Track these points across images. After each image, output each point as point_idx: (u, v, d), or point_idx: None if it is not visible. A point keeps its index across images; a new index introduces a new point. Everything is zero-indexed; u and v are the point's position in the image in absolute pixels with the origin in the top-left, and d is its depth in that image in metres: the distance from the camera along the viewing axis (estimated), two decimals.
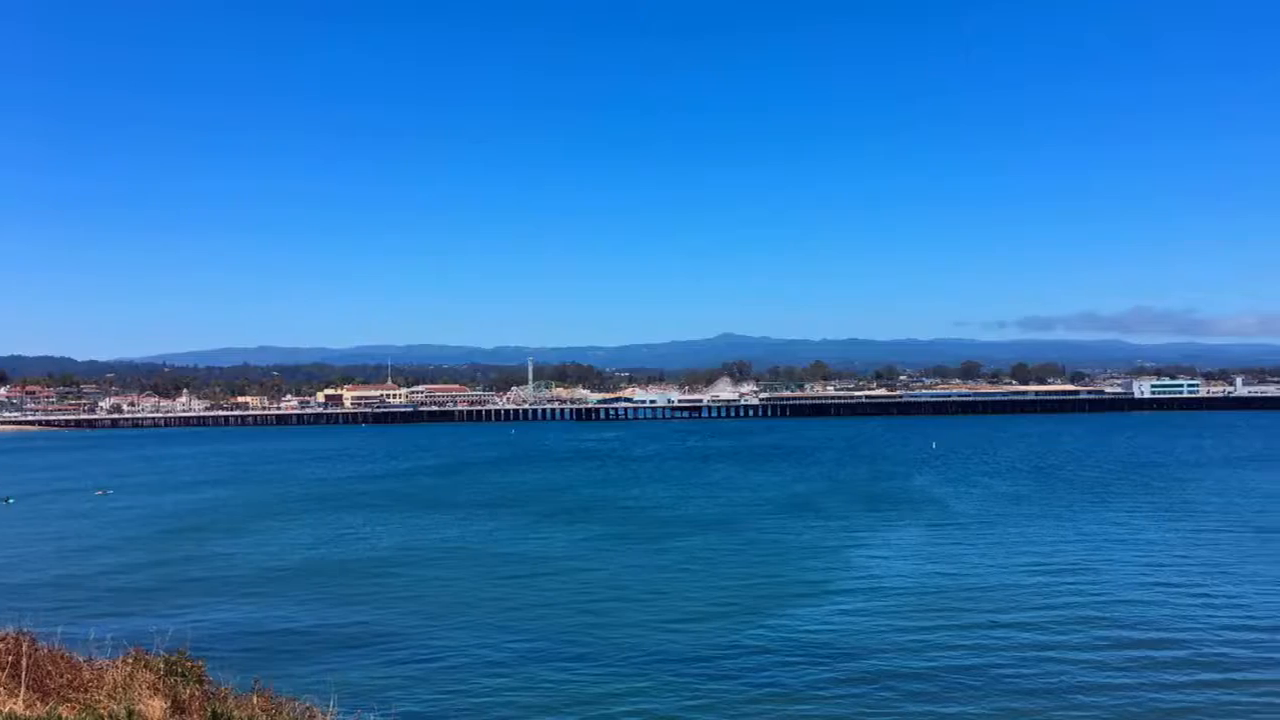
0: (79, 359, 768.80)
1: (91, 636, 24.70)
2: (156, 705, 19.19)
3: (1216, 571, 69.35)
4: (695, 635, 53.75)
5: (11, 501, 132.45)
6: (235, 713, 20.61)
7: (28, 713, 18.09)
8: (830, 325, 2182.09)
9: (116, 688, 19.62)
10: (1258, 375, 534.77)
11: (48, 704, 18.75)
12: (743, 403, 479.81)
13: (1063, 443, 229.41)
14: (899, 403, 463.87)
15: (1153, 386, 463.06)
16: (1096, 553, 77.59)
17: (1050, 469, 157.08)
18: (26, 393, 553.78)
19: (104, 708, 18.57)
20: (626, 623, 57.14)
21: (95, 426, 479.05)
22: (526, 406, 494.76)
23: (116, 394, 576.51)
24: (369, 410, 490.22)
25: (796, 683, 45.10)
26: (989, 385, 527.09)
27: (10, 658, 19.85)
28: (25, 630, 21.79)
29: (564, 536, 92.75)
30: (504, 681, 46.13)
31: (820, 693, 43.72)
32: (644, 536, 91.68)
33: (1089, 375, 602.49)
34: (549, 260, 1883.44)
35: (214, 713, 20.16)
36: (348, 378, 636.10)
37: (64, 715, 18.06)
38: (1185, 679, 44.76)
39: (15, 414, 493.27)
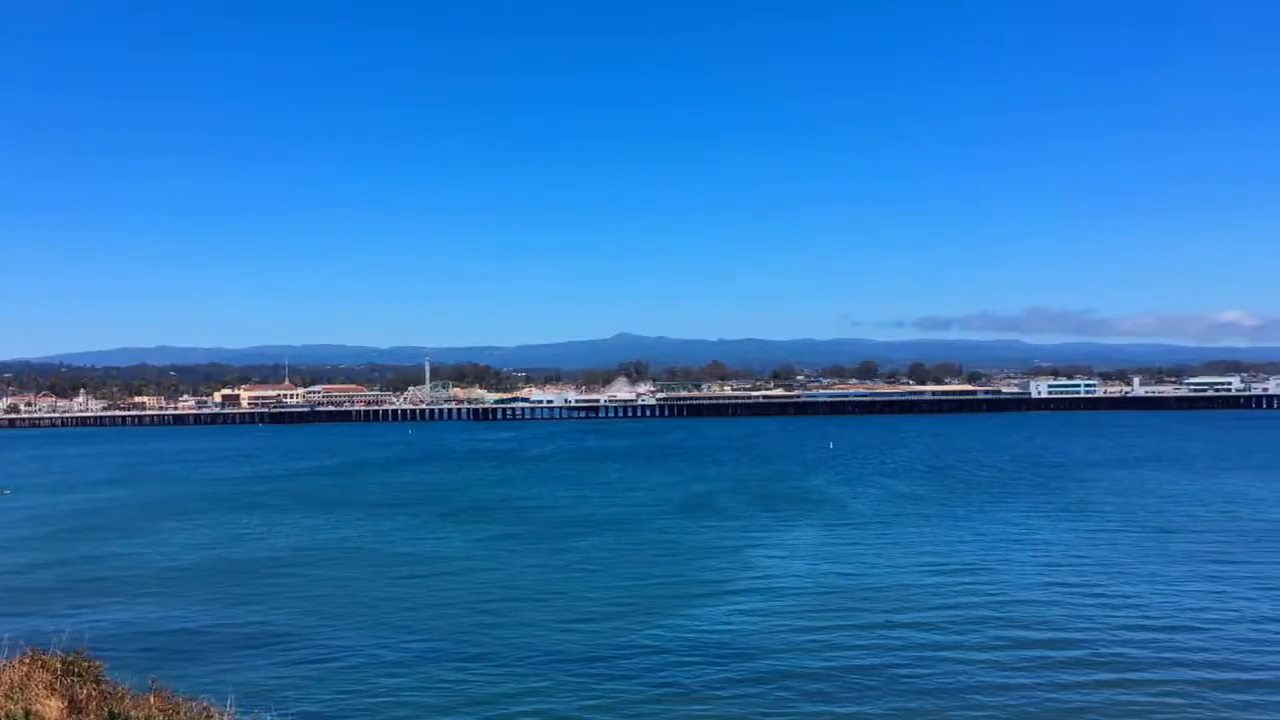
0: None
1: None
2: (53, 705, 19.09)
3: (1113, 571, 70.47)
4: (593, 635, 54.03)
5: None
6: (132, 712, 20.53)
7: None
8: (727, 325, 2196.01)
9: (13, 688, 19.48)
10: (1155, 375, 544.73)
11: None
12: (640, 403, 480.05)
13: (960, 442, 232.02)
14: (796, 403, 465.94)
15: (1050, 386, 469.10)
16: (993, 553, 78.64)
17: (947, 469, 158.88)
18: None
19: (1, 708, 18.45)
20: (524, 622, 57.29)
21: None
22: (424, 407, 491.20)
23: (13, 394, 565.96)
24: (266, 410, 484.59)
25: (693, 683, 45.46)
26: (886, 385, 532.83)
27: None
28: None
29: (461, 537, 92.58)
30: (402, 681, 46.09)
31: (718, 693, 44.11)
32: (541, 536, 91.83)
33: (986, 375, 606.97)
34: (447, 260, 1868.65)
35: (111, 713, 20.06)
36: (245, 378, 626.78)
37: None
38: (1082, 679, 45.49)
39: None
